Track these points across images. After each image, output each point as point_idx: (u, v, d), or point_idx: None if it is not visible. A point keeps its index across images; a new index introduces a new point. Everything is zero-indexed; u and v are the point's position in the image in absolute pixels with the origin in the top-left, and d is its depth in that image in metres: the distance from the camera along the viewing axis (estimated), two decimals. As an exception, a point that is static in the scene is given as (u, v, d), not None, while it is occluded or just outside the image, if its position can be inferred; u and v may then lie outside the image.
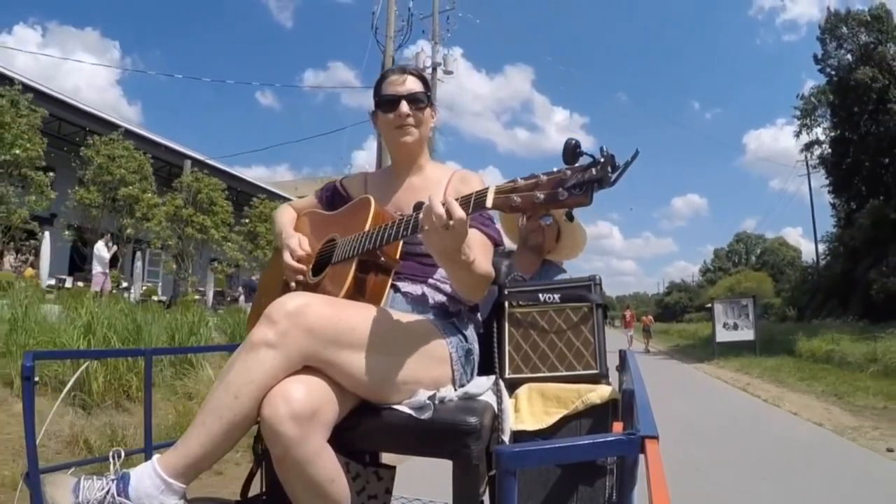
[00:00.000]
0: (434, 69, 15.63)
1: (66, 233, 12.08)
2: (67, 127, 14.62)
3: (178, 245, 13.55)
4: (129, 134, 13.68)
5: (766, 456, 4.29)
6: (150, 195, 12.86)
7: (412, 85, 1.41)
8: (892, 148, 18.43)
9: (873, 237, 17.11)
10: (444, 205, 1.01)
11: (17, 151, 9.43)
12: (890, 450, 4.39)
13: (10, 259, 10.51)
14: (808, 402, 7.20)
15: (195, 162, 16.22)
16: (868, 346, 10.61)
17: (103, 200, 12.09)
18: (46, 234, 11.07)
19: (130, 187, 12.39)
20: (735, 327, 15.32)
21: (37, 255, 10.85)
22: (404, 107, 1.38)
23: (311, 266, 1.35)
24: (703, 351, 17.19)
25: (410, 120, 1.39)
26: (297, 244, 1.34)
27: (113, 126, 13.61)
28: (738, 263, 51.86)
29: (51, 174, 10.29)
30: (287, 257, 1.33)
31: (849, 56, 21.27)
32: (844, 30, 21.37)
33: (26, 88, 10.60)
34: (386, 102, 1.40)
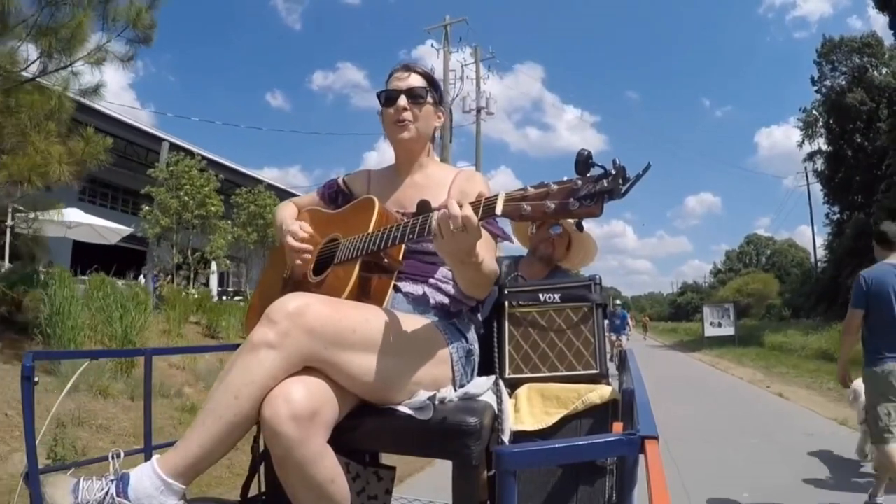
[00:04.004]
0: (478, 111, 19.05)
1: (228, 262, 16.01)
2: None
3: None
4: (243, 176, 19.60)
5: (704, 390, 9.01)
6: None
7: (413, 81, 1.40)
8: (880, 164, 20.14)
9: (854, 247, 19.37)
10: (460, 207, 1.01)
11: (212, 209, 13.70)
12: (768, 387, 9.04)
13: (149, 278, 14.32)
14: (746, 371, 11.95)
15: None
16: (804, 338, 15.18)
17: (258, 238, 16.33)
18: (213, 263, 15.22)
19: (278, 228, 17.05)
20: (719, 325, 19.91)
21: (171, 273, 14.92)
22: (402, 101, 1.38)
23: (312, 265, 1.34)
24: (698, 344, 21.34)
25: (407, 115, 1.38)
26: (299, 227, 1.33)
27: (255, 179, 19.29)
28: (749, 264, 52.61)
29: (228, 222, 14.79)
30: (289, 239, 1.32)
31: (842, 80, 23.79)
32: (840, 55, 23.78)
33: (202, 157, 14.79)
34: (386, 97, 1.40)
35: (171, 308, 7.49)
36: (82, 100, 5.37)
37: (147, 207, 13.64)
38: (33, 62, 4.91)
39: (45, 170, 4.59)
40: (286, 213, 1.49)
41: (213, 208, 13.79)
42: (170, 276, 14.16)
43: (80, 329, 5.30)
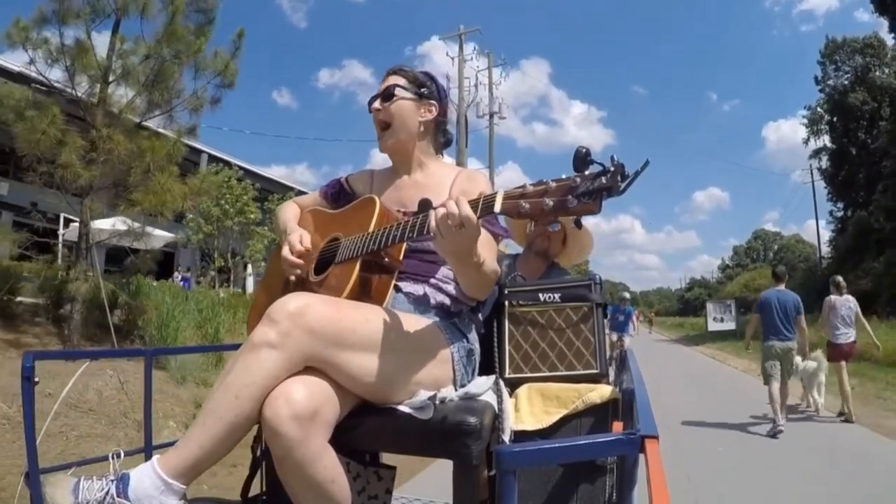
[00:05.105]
0: (491, 116, 20.22)
1: (263, 264, 17.02)
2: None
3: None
4: (275, 184, 21.58)
5: (701, 377, 10.61)
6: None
7: (389, 81, 1.43)
8: (882, 162, 20.46)
9: (855, 244, 19.93)
10: (456, 205, 1.01)
11: (251, 216, 15.18)
12: (759, 375, 9.31)
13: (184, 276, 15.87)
14: (742, 362, 12.86)
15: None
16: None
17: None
18: (249, 265, 16.82)
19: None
20: (722, 320, 21.38)
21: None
22: (375, 104, 1.42)
23: (313, 264, 1.34)
24: (702, 338, 22.69)
25: (380, 115, 1.41)
26: (298, 239, 1.33)
27: (286, 186, 20.66)
28: (756, 260, 53.03)
29: (265, 227, 15.97)
30: (285, 251, 1.32)
31: (845, 79, 24.34)
32: (843, 55, 24.33)
33: (238, 167, 16.09)
34: (370, 104, 1.45)
35: (233, 309, 8.35)
36: (188, 142, 6.35)
37: (190, 215, 14.95)
38: (134, 105, 5.93)
39: (172, 205, 5.76)
40: (289, 214, 1.50)
41: (251, 216, 15.27)
42: (203, 278, 15.52)
43: (182, 330, 6.10)
